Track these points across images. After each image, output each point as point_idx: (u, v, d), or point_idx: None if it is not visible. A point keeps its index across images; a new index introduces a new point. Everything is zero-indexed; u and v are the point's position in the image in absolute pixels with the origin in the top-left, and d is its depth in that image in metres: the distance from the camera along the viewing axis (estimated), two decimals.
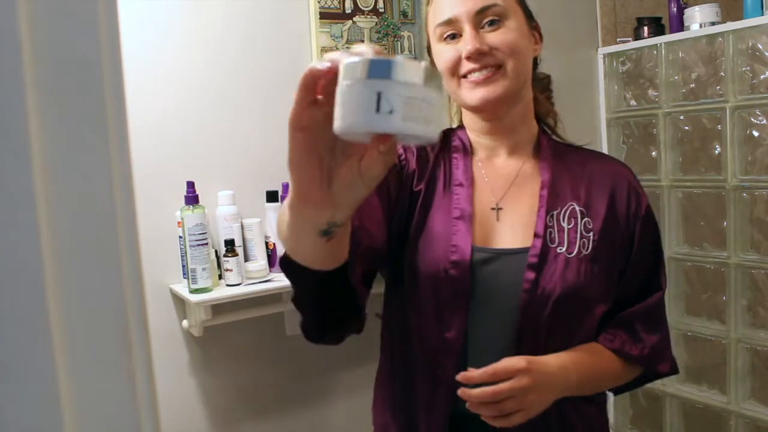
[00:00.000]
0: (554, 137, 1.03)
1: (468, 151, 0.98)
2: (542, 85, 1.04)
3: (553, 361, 0.86)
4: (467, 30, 0.89)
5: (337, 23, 1.78)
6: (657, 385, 2.20)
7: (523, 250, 0.90)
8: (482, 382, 0.80)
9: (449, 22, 0.90)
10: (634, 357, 0.96)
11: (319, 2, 1.75)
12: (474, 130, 0.98)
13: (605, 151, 2.33)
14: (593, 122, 2.33)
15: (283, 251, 0.71)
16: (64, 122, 0.30)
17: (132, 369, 0.32)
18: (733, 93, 1.92)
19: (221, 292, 1.50)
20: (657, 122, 2.15)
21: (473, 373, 0.81)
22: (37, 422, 0.30)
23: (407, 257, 0.93)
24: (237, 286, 1.53)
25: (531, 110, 0.99)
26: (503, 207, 0.93)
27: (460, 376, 0.81)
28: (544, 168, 0.95)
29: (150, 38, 1.53)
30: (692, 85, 2.05)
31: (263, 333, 1.70)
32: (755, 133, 1.91)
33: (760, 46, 1.87)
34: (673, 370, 1.04)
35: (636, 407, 2.33)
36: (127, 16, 1.48)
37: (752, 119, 1.91)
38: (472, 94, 0.90)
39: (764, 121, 1.88)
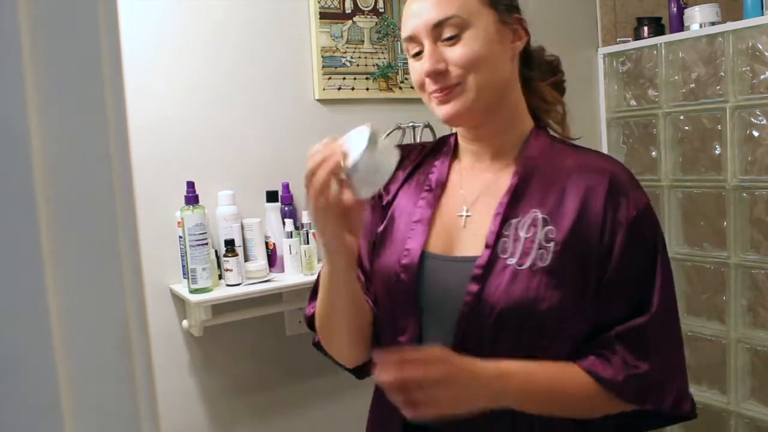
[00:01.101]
0: (554, 133, 0.97)
1: (452, 156, 0.97)
2: (545, 70, 0.97)
3: (490, 364, 0.80)
4: (426, 46, 0.86)
5: (337, 23, 1.78)
6: None
7: (472, 259, 0.85)
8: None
9: (411, 39, 0.88)
10: (606, 380, 0.83)
11: (319, 2, 1.75)
12: (461, 135, 0.96)
13: (605, 151, 2.33)
14: (593, 122, 2.33)
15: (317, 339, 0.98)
16: (64, 122, 0.30)
17: (132, 369, 0.32)
18: (733, 93, 1.92)
19: (221, 292, 1.50)
20: (657, 122, 2.15)
21: (384, 357, 0.78)
22: (37, 422, 0.30)
23: (372, 262, 0.96)
24: (237, 286, 1.53)
25: (520, 110, 0.93)
26: (471, 214, 0.90)
27: (375, 357, 0.78)
28: (516, 173, 0.89)
29: (150, 38, 1.53)
30: (692, 85, 2.05)
31: (263, 333, 1.70)
32: (755, 133, 1.91)
33: (760, 46, 1.87)
34: (678, 409, 0.86)
35: None
36: (127, 16, 1.48)
37: (752, 119, 1.91)
38: (439, 110, 0.88)
39: (764, 121, 1.88)
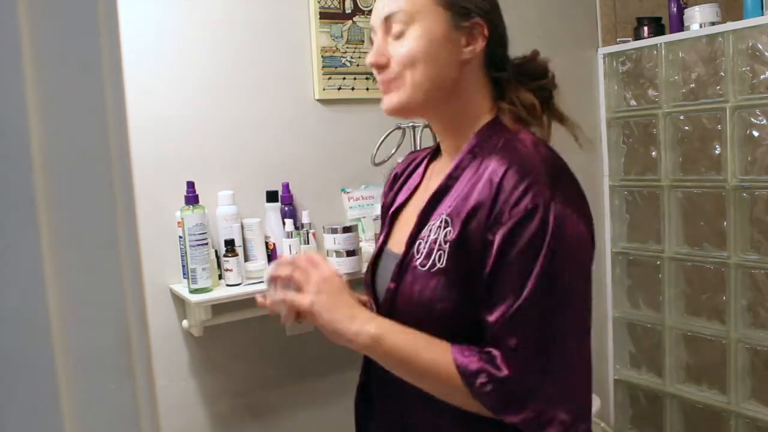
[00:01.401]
0: (512, 130, 0.90)
1: (434, 155, 1.02)
2: (524, 76, 0.94)
3: (368, 310, 0.89)
4: (376, 39, 0.90)
5: (337, 23, 1.78)
6: (657, 385, 2.20)
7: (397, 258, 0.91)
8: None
9: (372, 30, 0.92)
10: (460, 365, 0.79)
11: (319, 2, 1.75)
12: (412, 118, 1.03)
13: (605, 151, 2.33)
14: (593, 122, 2.33)
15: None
16: (64, 122, 0.30)
17: (132, 369, 0.32)
18: (733, 93, 1.92)
19: (221, 292, 1.50)
20: (657, 122, 2.15)
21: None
22: (37, 423, 0.30)
23: None
24: (237, 286, 1.53)
25: (469, 112, 0.91)
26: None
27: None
28: (446, 174, 0.89)
29: (150, 38, 1.54)
30: (692, 85, 2.05)
31: (263, 333, 1.70)
32: (755, 133, 1.91)
33: (760, 46, 1.87)
34: (537, 429, 0.78)
35: (636, 407, 2.33)
36: (128, 16, 1.49)
37: (752, 119, 1.91)
38: (382, 100, 0.92)
39: (764, 121, 1.88)
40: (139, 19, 1.52)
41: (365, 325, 0.83)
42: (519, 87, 0.92)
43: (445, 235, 0.84)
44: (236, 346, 1.67)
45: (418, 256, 0.87)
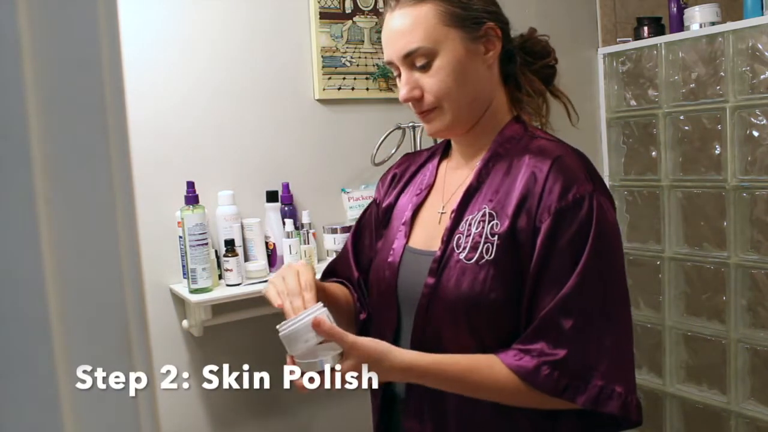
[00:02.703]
0: (531, 124, 0.97)
1: (443, 155, 1.03)
2: (530, 56, 0.97)
3: (401, 357, 0.84)
4: (403, 73, 0.90)
5: (337, 23, 1.78)
6: (657, 385, 2.20)
7: (432, 254, 0.91)
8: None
9: (390, 63, 0.92)
10: (518, 369, 0.82)
11: (319, 2, 1.75)
12: (452, 138, 1.02)
13: (605, 151, 2.33)
14: (593, 122, 2.33)
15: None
16: (64, 122, 0.30)
17: (132, 369, 0.32)
18: (733, 93, 1.92)
19: (221, 292, 1.50)
20: (657, 122, 2.15)
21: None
22: (37, 422, 0.30)
23: (371, 263, 1.05)
24: (237, 286, 1.53)
25: (500, 110, 0.95)
26: (446, 211, 0.95)
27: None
28: (475, 171, 0.93)
29: (150, 38, 1.53)
30: (692, 85, 2.05)
31: (263, 333, 1.70)
32: (755, 133, 1.91)
33: (760, 46, 1.87)
34: (599, 405, 0.81)
35: None
36: (128, 17, 1.48)
37: (752, 119, 1.91)
38: (425, 127, 0.94)
39: (764, 121, 1.88)
40: (139, 19, 1.52)
41: (409, 378, 0.86)
42: (526, 72, 0.96)
43: (492, 228, 0.87)
44: (236, 346, 1.67)
45: (459, 251, 0.88)
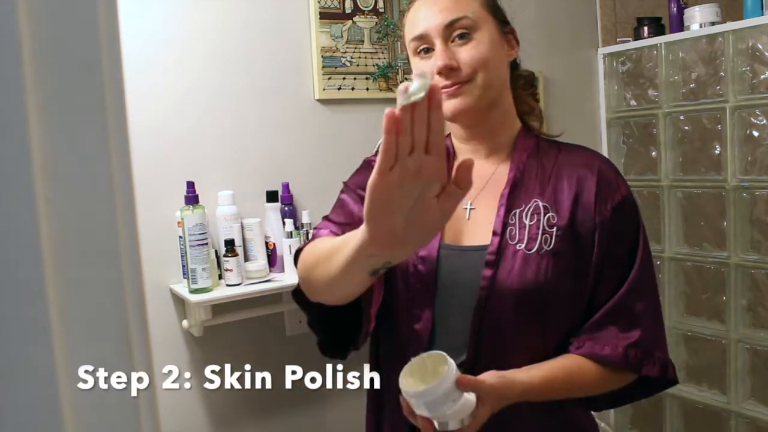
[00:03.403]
0: (539, 134, 1.04)
1: (450, 156, 1.03)
2: (524, 82, 1.05)
3: (512, 387, 0.85)
4: (438, 45, 0.91)
5: (337, 23, 1.78)
6: None
7: (483, 248, 0.92)
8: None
9: (421, 37, 0.93)
10: (606, 357, 0.91)
11: (319, 2, 1.75)
12: (456, 137, 1.02)
13: (605, 151, 2.33)
14: (593, 122, 2.33)
15: (298, 286, 0.92)
16: (64, 122, 0.30)
17: (132, 369, 0.32)
18: (733, 93, 1.92)
19: (221, 292, 1.50)
20: (657, 122, 2.15)
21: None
22: (37, 422, 0.30)
23: None
24: (237, 286, 1.53)
25: (511, 113, 1.01)
26: (475, 207, 0.97)
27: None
28: (512, 167, 0.97)
29: (150, 38, 1.53)
30: (692, 85, 2.05)
31: (263, 333, 1.70)
32: (755, 133, 1.91)
33: (760, 46, 1.87)
34: (665, 376, 0.94)
35: (636, 407, 2.33)
36: (127, 17, 1.48)
37: (752, 119, 1.91)
38: (445, 105, 0.91)
39: (764, 121, 1.88)
40: (139, 19, 1.52)
41: (513, 399, 0.87)
42: (522, 92, 1.04)
43: (548, 220, 0.92)
44: (236, 346, 1.67)
45: (516, 242, 0.91)
